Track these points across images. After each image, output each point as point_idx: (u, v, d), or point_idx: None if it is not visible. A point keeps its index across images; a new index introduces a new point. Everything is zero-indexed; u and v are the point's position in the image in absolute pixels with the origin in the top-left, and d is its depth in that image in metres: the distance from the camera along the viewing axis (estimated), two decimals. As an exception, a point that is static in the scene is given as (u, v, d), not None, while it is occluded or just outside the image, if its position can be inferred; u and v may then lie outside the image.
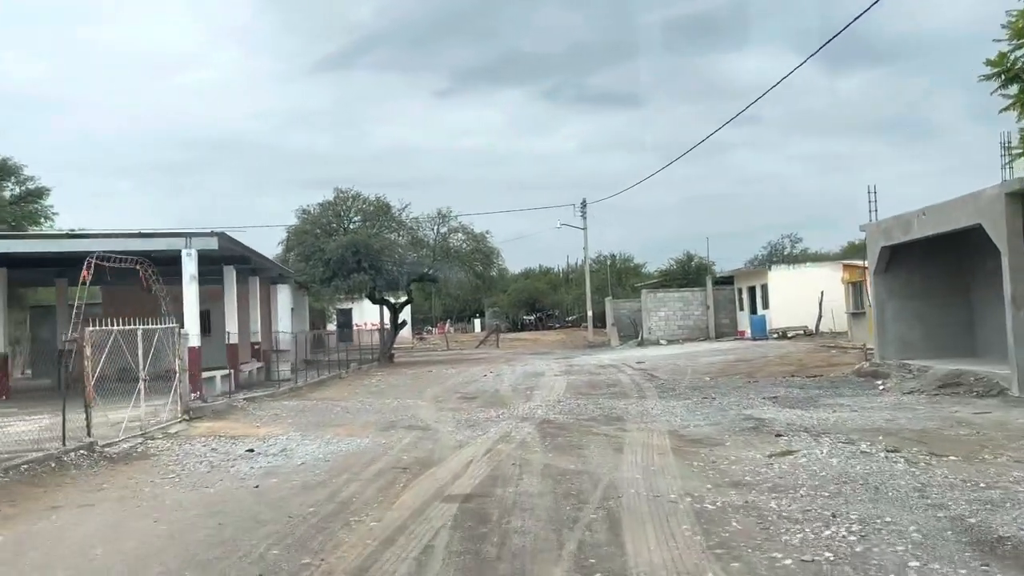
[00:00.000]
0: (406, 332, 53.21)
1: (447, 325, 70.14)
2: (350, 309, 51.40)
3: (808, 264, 34.48)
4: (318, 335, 50.85)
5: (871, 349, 23.99)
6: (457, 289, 62.85)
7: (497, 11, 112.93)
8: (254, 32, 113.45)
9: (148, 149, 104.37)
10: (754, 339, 33.28)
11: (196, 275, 17.85)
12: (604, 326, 52.46)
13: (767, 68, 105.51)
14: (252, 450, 10.78)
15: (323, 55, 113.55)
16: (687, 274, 42.95)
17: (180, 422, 13.36)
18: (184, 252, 17.79)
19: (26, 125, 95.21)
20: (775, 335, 32.73)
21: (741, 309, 37.67)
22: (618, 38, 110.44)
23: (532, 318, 65.69)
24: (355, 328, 52.33)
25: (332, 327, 51.23)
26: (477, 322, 68.77)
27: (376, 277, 33.44)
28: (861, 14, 16.94)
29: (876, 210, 19.42)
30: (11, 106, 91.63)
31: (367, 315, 50.79)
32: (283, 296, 31.31)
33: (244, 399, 17.07)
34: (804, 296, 32.56)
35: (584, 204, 43.37)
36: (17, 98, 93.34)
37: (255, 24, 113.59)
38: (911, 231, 16.51)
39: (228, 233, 18.69)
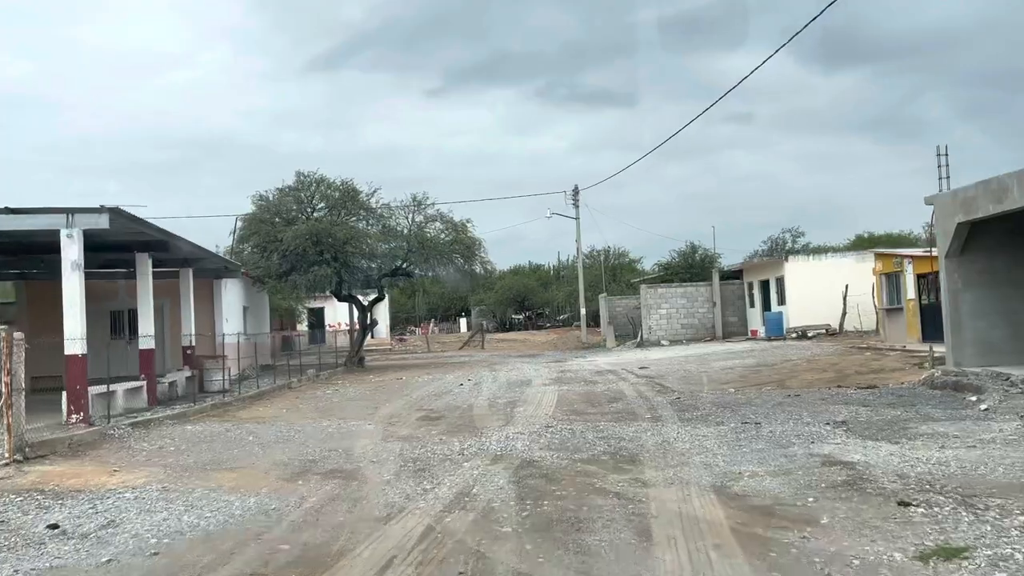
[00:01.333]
0: (384, 333, 49.27)
1: (431, 325, 66.22)
2: (322, 308, 47.46)
3: (829, 254, 30.69)
4: (287, 337, 47.07)
5: (916, 351, 20.27)
6: (435, 285, 59.04)
7: (488, 10, 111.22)
8: (244, 32, 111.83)
9: (137, 149, 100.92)
10: (769, 339, 29.43)
11: (80, 261, 13.84)
12: (598, 325, 48.60)
13: (761, 67, 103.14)
14: (56, 526, 6.79)
15: (314, 55, 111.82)
16: (690, 267, 39.00)
17: (7, 465, 9.35)
18: (64, 232, 13.78)
19: (15, 124, 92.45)
20: (793, 334, 28.88)
21: (751, 306, 33.81)
22: (610, 37, 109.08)
23: (521, 317, 61.81)
24: (328, 329, 48.38)
25: (304, 327, 47.25)
26: (463, 321, 64.83)
27: (341, 270, 29.44)
28: (820, 13, 15.34)
29: (948, 176, 15.53)
30: (9, 106, 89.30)
31: (341, 315, 46.79)
32: (232, 293, 27.30)
33: (130, 424, 13.04)
34: (825, 290, 28.73)
35: (576, 191, 39.46)
36: (7, 97, 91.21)
37: (245, 24, 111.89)
38: (1006, 199, 12.65)
39: (126, 209, 14.66)
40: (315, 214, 29.95)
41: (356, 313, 32.65)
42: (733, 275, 35.62)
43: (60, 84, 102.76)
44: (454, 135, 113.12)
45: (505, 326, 63.08)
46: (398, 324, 68.87)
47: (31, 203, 14.27)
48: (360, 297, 32.47)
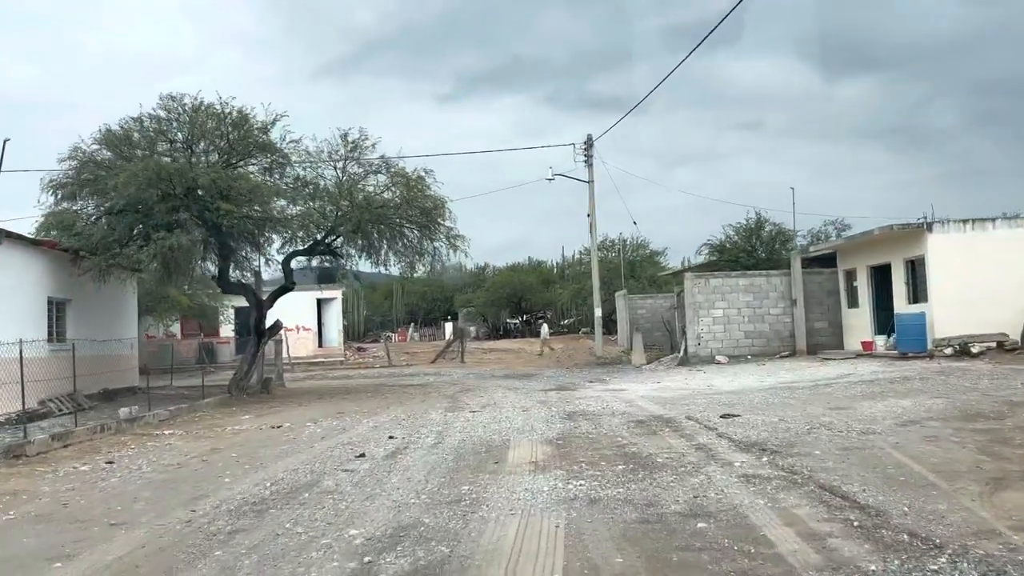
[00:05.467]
0: (335, 341, 38.19)
1: (409, 330, 55.23)
2: (254, 307, 36.49)
3: (999, 222, 19.22)
4: (207, 345, 36.24)
5: None
6: (411, 281, 47.90)
7: (500, 17, 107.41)
8: (257, 36, 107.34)
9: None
10: (904, 356, 18.37)
11: None
12: (611, 332, 37.56)
13: (766, 73, 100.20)
14: None
15: (325, 60, 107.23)
16: (752, 251, 27.67)
17: None
18: None
19: (22, 129, 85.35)
20: (948, 349, 17.85)
21: (853, 305, 22.71)
22: (619, 44, 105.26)
23: (517, 321, 50.69)
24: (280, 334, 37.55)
25: (230, 332, 36.16)
26: (448, 326, 53.76)
27: (218, 241, 18.57)
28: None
29: None
30: (11, 109, 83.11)
31: (287, 315, 35.76)
32: (18, 275, 16.33)
33: None
34: (996, 280, 17.79)
35: (589, 143, 28.21)
36: (13, 101, 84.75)
37: (258, 28, 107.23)
38: None
39: None
40: (196, 162, 18.90)
41: (253, 313, 21.49)
42: (817, 262, 24.57)
43: (67, 88, 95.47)
44: (463, 140, 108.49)
45: (498, 331, 52.09)
46: (373, 328, 58.00)
47: None
48: (253, 288, 21.44)
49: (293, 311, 35.88)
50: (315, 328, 36.67)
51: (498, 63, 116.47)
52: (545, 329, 38.89)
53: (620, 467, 8.35)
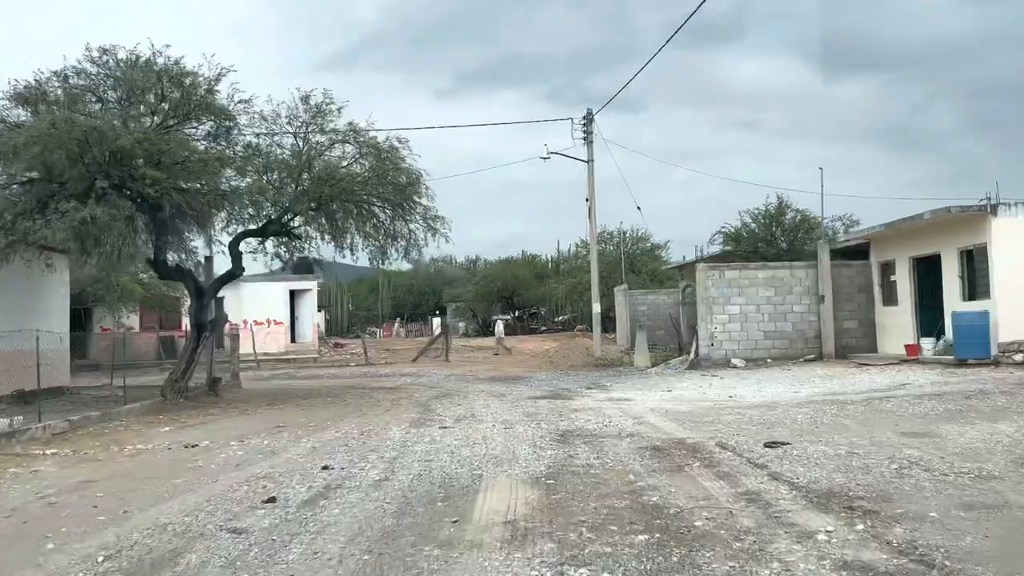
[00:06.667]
0: (309, 337, 35.20)
1: (395, 325, 52.33)
2: (221, 299, 33.45)
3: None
4: (169, 339, 33.31)
5: None
6: (398, 274, 44.93)
7: (500, 13, 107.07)
8: (256, 29, 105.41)
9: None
10: (960, 362, 15.52)
11: None
12: (608, 330, 34.66)
13: (766, 73, 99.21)
14: None
15: (325, 54, 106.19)
16: (771, 240, 24.63)
17: None
18: None
19: None
20: (1019, 354, 14.97)
21: (891, 303, 19.80)
22: (619, 42, 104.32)
23: (509, 318, 47.74)
24: (228, 328, 34.54)
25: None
26: (436, 321, 50.88)
27: (144, 215, 15.56)
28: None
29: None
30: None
31: (256, 307, 32.94)
32: None
33: None
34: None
35: (589, 117, 25.19)
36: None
37: (257, 21, 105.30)
38: None
39: None
40: (133, 127, 15.79)
41: (192, 303, 18.46)
42: (844, 254, 21.68)
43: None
44: (462, 136, 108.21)
45: (488, 328, 49.15)
46: (357, 324, 55.07)
47: None
48: (196, 273, 18.51)
49: (263, 303, 32.96)
50: (287, 322, 33.70)
51: (498, 59, 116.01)
52: (500, 327, 36.24)
53: (641, 537, 5.46)
